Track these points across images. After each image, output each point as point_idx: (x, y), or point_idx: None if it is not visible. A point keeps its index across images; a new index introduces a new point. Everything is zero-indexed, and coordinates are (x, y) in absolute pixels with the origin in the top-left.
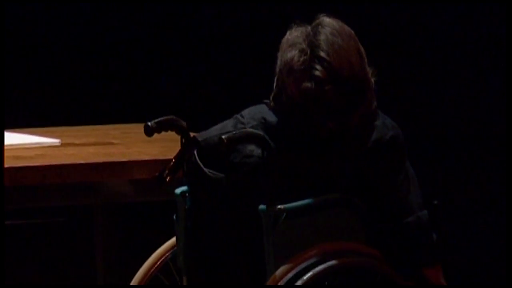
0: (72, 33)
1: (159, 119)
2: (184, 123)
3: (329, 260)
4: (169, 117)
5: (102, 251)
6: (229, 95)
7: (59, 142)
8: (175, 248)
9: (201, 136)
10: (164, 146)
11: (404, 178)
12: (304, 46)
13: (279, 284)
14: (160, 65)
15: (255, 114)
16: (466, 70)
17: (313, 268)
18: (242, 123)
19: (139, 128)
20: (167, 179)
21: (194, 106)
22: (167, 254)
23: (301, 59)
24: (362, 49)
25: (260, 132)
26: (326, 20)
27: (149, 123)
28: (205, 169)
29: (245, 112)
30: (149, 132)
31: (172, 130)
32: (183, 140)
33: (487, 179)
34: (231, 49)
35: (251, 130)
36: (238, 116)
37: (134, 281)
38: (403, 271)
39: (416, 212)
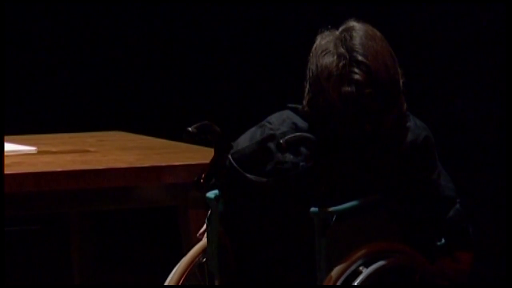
0: (48, 42)
1: (197, 124)
2: (218, 128)
3: (379, 260)
4: (204, 122)
5: (79, 259)
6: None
7: (35, 150)
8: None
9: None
10: (140, 154)
11: (438, 175)
12: (342, 50)
13: (337, 284)
14: (135, 72)
15: (283, 121)
16: (465, 71)
17: (364, 268)
18: (272, 130)
19: (115, 135)
20: (204, 185)
21: (174, 113)
22: (198, 258)
23: (340, 64)
24: (393, 52)
25: (312, 136)
26: (357, 24)
27: (189, 129)
28: (248, 175)
29: (272, 118)
30: (190, 137)
31: (208, 135)
32: (217, 145)
33: (487, 180)
34: (218, 54)
35: (305, 134)
36: (265, 123)
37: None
38: (438, 256)
39: (454, 206)
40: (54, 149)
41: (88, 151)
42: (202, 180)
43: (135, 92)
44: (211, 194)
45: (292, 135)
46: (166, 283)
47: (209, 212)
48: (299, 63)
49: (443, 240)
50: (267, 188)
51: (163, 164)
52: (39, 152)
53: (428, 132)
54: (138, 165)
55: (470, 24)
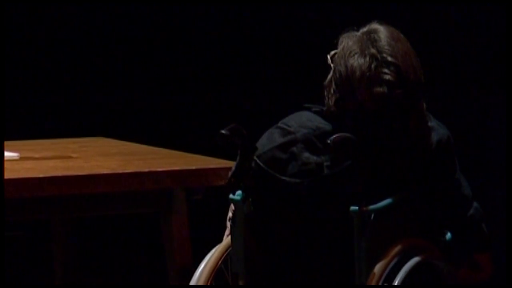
0: (31, 48)
1: (229, 127)
2: (245, 131)
3: (414, 256)
4: (234, 125)
5: (61, 265)
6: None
7: (17, 156)
8: (229, 251)
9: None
10: (123, 160)
11: (459, 174)
12: (373, 51)
13: (380, 282)
14: (117, 78)
15: (303, 122)
16: (465, 71)
17: (401, 264)
18: (291, 132)
19: (97, 141)
20: (234, 187)
21: (156, 119)
22: (222, 259)
23: (372, 65)
24: (415, 53)
25: (353, 136)
26: (380, 26)
27: (223, 131)
28: (283, 177)
29: (290, 121)
30: (224, 139)
31: (235, 138)
32: (243, 148)
33: (488, 181)
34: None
35: (347, 134)
36: (282, 125)
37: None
38: (457, 257)
39: (473, 204)
40: (36, 155)
41: (70, 157)
42: (232, 183)
43: (117, 98)
44: (236, 196)
45: (335, 135)
46: (193, 282)
47: (231, 214)
48: (297, 65)
49: (449, 235)
50: (303, 189)
51: (146, 170)
52: (22, 158)
53: (449, 132)
54: (120, 171)
55: (470, 24)
